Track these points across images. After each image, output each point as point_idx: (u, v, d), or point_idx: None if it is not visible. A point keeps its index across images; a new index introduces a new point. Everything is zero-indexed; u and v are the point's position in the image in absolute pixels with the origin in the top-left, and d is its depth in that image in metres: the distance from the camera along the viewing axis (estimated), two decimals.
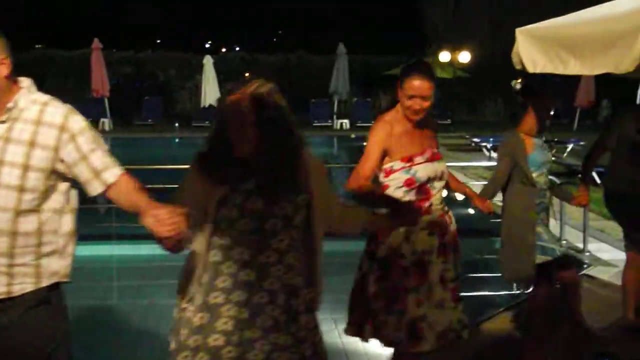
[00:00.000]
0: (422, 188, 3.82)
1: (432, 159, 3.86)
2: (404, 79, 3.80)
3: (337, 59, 24.88)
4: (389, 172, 3.84)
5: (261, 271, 2.70)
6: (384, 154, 3.82)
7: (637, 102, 13.11)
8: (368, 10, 42.78)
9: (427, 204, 3.84)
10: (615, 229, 9.34)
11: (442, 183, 3.93)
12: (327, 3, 43.80)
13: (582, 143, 17.30)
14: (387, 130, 3.82)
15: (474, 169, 12.44)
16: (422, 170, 3.80)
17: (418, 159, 3.80)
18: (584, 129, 21.47)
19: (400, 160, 3.80)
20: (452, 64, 23.73)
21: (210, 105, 23.41)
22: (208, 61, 23.96)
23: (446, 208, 4.02)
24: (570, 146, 16.93)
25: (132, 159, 6.24)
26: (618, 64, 3.38)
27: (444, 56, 23.71)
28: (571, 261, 4.72)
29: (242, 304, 2.69)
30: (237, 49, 43.45)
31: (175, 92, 28.73)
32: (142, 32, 42.38)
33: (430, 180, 3.83)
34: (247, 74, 27.85)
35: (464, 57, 23.37)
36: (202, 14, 46.74)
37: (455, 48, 23.70)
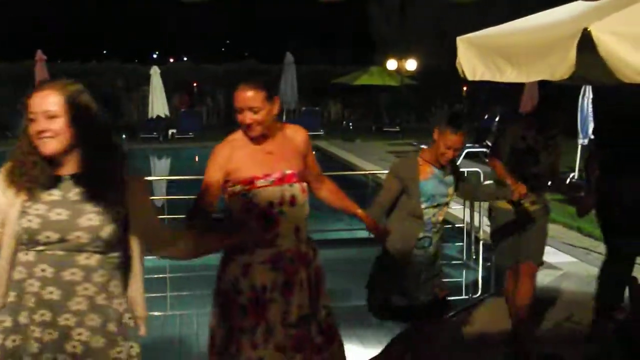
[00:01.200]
0: (266, 214, 3.39)
1: (280, 181, 3.42)
2: None
3: (285, 68, 24.92)
4: (231, 195, 3.46)
5: (66, 290, 2.51)
6: (227, 177, 3.43)
7: (579, 109, 13.40)
8: (316, 19, 42.94)
9: (272, 234, 3.42)
10: (560, 232, 9.56)
11: (295, 209, 3.45)
12: (275, 12, 43.84)
13: None
14: (225, 154, 3.44)
15: None
16: (262, 194, 3.38)
17: (260, 182, 3.39)
18: None
19: (241, 183, 3.41)
20: (399, 71, 23.95)
21: (158, 117, 23.23)
22: (155, 72, 23.72)
23: (307, 239, 3.60)
24: None
25: None
26: (554, 71, 3.44)
27: (391, 64, 23.92)
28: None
29: (47, 325, 2.49)
30: (185, 59, 43.19)
31: (122, 104, 28.40)
32: (88, 43, 41.87)
33: (274, 205, 3.39)
34: (194, 84, 27.74)
35: (411, 65, 23.62)
36: (149, 23, 46.38)
37: (402, 56, 23.92)
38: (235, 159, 3.43)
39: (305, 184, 3.56)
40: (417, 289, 4.32)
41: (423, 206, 4.27)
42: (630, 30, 3.20)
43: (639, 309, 4.24)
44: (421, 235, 4.28)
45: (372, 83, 24.93)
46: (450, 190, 4.41)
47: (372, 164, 16.20)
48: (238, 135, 3.52)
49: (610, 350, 5.24)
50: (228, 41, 56.37)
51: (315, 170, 3.82)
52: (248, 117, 3.39)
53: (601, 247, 8.66)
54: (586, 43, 3.23)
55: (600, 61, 3.23)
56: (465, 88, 25.31)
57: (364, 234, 4.50)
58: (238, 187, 3.41)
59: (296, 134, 3.65)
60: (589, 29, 3.18)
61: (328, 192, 3.90)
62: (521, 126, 5.22)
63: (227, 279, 3.47)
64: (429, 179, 4.29)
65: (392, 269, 4.33)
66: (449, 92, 26.77)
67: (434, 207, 4.31)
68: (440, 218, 4.37)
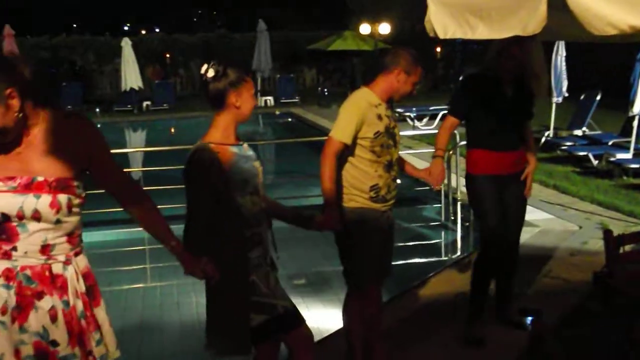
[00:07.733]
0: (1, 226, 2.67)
1: (25, 189, 2.66)
2: None
3: (258, 37, 24.77)
4: None
5: None
6: None
7: (552, 66, 13.41)
8: None
9: (8, 247, 2.66)
10: (537, 189, 9.63)
11: (41, 225, 2.69)
12: None
13: None
14: None
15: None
16: None
17: None
18: None
19: None
20: (373, 35, 23.80)
21: (132, 89, 23.02)
22: (126, 44, 23.43)
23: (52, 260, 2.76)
24: None
25: None
26: (525, 26, 3.42)
27: (364, 28, 23.74)
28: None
29: None
30: (157, 30, 42.76)
31: (94, 77, 28.11)
32: (57, 17, 41.26)
33: (8, 218, 2.66)
34: (167, 55, 27.47)
35: (384, 28, 23.42)
36: None
37: (375, 20, 23.76)
38: None
39: (65, 197, 2.72)
40: None
41: (240, 199, 3.39)
42: None
43: (613, 261, 4.28)
44: (248, 233, 3.40)
45: (346, 48, 24.81)
46: (255, 165, 3.46)
47: None
48: None
49: (589, 301, 5.31)
50: (200, 11, 55.82)
51: (115, 179, 2.98)
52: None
53: (577, 204, 8.79)
54: None
55: (570, 15, 3.21)
56: (439, 50, 25.24)
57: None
58: None
59: (74, 128, 2.82)
60: None
61: (140, 213, 3.04)
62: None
63: None
64: (234, 161, 3.35)
65: None
66: (424, 55, 26.66)
67: (249, 195, 3.43)
68: None
